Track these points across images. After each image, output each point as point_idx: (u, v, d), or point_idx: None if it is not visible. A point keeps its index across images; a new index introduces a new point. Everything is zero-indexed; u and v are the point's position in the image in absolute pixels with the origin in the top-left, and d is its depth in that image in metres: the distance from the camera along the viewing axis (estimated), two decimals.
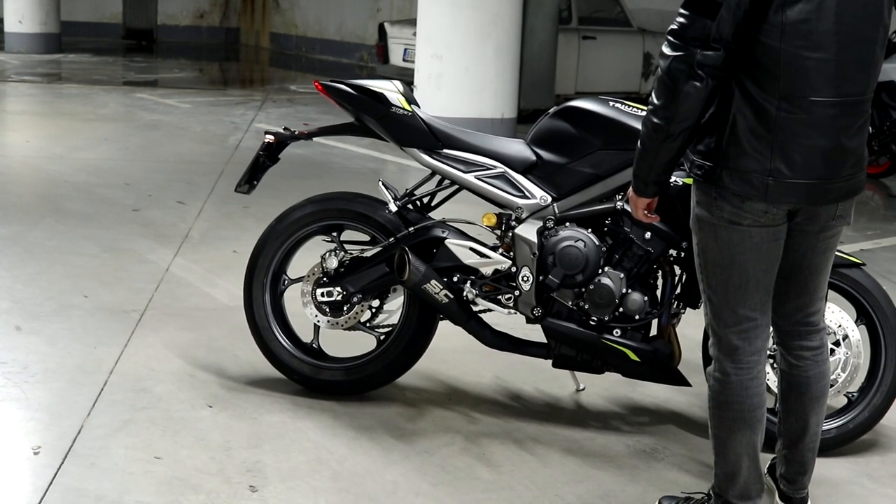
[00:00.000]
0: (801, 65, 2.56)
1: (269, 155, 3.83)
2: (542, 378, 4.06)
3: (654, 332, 3.57)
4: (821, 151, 2.62)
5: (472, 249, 3.59)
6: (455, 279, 3.60)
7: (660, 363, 3.52)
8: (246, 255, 5.58)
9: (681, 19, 2.60)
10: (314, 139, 3.92)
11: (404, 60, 11.91)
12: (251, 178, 3.86)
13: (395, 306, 3.82)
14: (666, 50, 2.62)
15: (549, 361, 3.66)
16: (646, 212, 2.88)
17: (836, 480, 3.38)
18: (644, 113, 3.52)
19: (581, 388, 3.99)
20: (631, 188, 2.87)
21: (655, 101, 2.65)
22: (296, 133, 3.82)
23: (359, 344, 3.89)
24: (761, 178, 2.62)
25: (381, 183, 3.78)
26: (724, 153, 2.65)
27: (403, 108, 3.65)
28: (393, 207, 3.68)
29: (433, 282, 3.54)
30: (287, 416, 3.61)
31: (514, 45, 9.41)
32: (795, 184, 2.62)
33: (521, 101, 10.02)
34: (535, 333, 3.69)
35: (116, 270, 5.15)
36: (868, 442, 3.62)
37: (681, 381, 3.55)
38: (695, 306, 3.54)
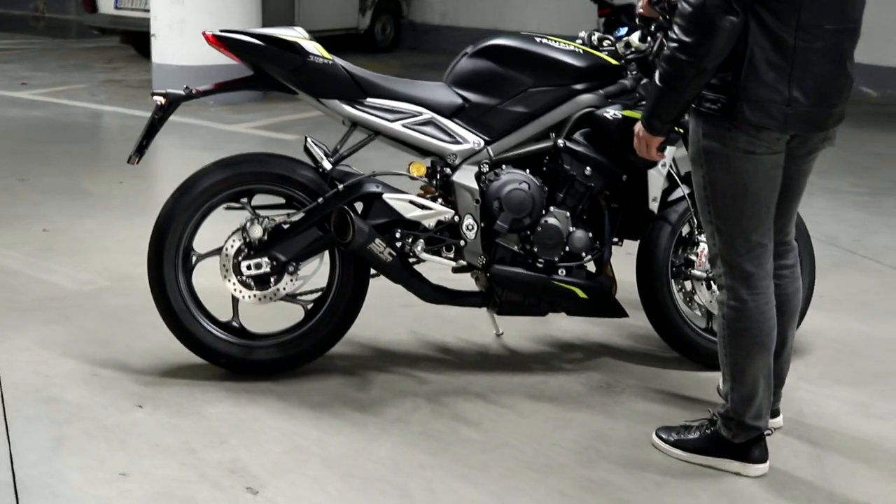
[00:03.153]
0: None
1: (162, 117, 3.40)
2: (456, 327, 3.95)
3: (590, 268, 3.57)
4: (829, 77, 2.70)
5: (412, 202, 3.39)
6: (397, 235, 3.39)
7: (605, 297, 3.53)
8: (58, 232, 5.06)
9: None
10: (209, 96, 3.50)
11: (117, 8, 10.98)
12: (142, 145, 3.41)
13: (309, 271, 3.54)
14: None
15: (471, 310, 3.63)
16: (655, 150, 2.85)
17: None
18: (571, 47, 3.49)
19: (501, 332, 3.91)
20: (641, 128, 2.81)
21: (685, 38, 2.59)
22: (192, 91, 3.40)
23: (269, 317, 3.58)
24: (780, 108, 2.65)
25: (308, 140, 3.46)
26: (742, 86, 2.65)
27: (323, 57, 3.35)
28: (327, 165, 3.38)
29: (377, 241, 3.32)
30: (229, 404, 3.28)
31: None
32: (809, 111, 2.68)
33: None
34: (455, 282, 3.58)
35: None
36: None
37: (621, 312, 3.58)
38: (636, 238, 3.57)
